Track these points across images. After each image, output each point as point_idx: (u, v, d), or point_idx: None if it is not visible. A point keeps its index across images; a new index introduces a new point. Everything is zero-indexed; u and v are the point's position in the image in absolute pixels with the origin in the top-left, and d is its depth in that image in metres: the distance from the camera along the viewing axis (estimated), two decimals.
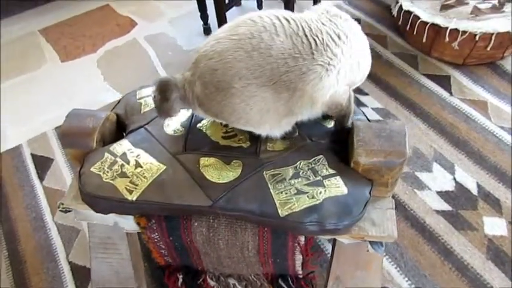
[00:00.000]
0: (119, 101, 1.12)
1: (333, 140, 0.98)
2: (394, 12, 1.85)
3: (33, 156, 1.68)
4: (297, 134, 0.98)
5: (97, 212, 0.94)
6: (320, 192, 0.87)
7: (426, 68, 1.79)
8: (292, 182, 0.89)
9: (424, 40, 1.73)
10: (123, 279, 1.16)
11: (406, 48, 1.89)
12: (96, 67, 2.02)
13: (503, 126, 1.56)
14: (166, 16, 2.29)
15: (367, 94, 1.73)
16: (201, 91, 0.87)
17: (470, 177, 1.43)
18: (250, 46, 0.83)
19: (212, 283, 1.13)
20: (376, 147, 0.89)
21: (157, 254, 1.07)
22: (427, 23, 1.68)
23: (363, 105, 1.68)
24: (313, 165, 0.92)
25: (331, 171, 0.91)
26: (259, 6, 2.19)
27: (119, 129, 1.09)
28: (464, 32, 1.59)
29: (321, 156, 0.94)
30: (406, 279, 1.23)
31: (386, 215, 0.94)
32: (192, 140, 0.97)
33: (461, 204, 1.37)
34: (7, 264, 1.38)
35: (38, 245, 1.41)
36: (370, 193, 0.90)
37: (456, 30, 1.60)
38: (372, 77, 1.79)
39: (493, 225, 1.31)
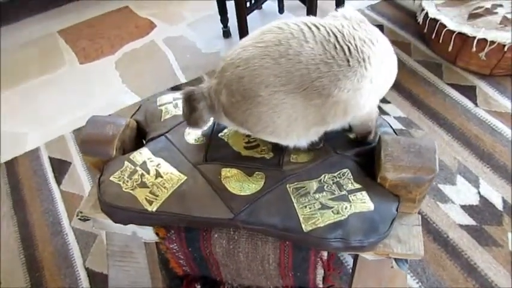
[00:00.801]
0: (138, 108, 1.11)
1: (358, 153, 0.95)
2: (420, 20, 1.81)
3: (51, 159, 1.68)
4: (322, 145, 0.95)
5: (116, 222, 0.93)
6: (345, 208, 0.84)
7: (451, 77, 1.74)
8: (317, 196, 0.86)
9: (450, 49, 1.68)
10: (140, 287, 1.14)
11: (431, 57, 1.85)
12: (114, 69, 2.02)
13: None
14: (186, 19, 2.28)
15: (389, 102, 1.69)
16: (227, 100, 0.85)
17: (495, 192, 1.38)
18: (278, 53, 0.80)
19: None
20: (404, 163, 0.85)
21: (176, 264, 1.06)
22: (454, 31, 1.64)
23: (385, 113, 1.65)
24: (338, 179, 0.89)
25: (357, 185, 0.88)
26: (281, 10, 2.16)
27: (139, 136, 1.08)
28: (492, 42, 1.54)
29: (346, 169, 0.91)
30: None
31: (413, 232, 0.91)
32: (213, 150, 0.95)
33: (485, 219, 1.33)
34: (24, 270, 1.37)
35: (56, 251, 1.41)
36: (397, 210, 0.87)
37: (484, 40, 1.56)
38: (394, 84, 1.73)
39: None
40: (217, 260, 0.98)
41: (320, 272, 0.98)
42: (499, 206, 1.35)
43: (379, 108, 1.64)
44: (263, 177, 0.89)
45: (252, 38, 0.86)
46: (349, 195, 0.86)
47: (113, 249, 1.11)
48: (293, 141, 0.89)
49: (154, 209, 0.87)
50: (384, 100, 1.69)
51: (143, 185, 0.90)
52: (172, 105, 1.07)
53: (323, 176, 0.89)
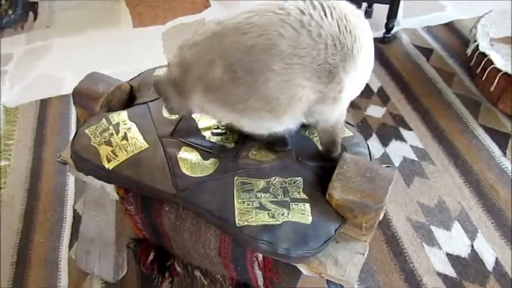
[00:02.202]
0: (138, 75, 1.16)
1: (321, 166, 0.93)
2: (469, 51, 1.69)
3: None
4: (289, 148, 0.94)
5: (78, 171, 0.99)
6: (282, 214, 0.83)
7: (486, 119, 1.62)
8: (259, 195, 0.86)
9: (492, 88, 1.56)
10: (105, 240, 1.21)
11: (472, 92, 1.73)
12: (160, 39, 2.11)
13: None
14: (240, 5, 2.30)
15: (411, 130, 1.61)
16: (221, 75, 0.75)
17: (490, 250, 1.28)
18: (299, 23, 0.74)
19: (178, 269, 1.14)
20: (354, 185, 0.82)
21: (135, 226, 1.10)
22: (500, 70, 1.51)
23: (402, 139, 1.57)
24: (286, 185, 0.88)
25: (303, 196, 0.86)
26: None
27: (130, 100, 1.13)
28: None
29: (300, 178, 0.89)
30: None
31: (353, 259, 0.88)
32: (181, 127, 0.97)
33: (468, 275, 1.23)
34: (24, 197, 1.51)
35: (54, 188, 1.53)
36: (336, 231, 0.84)
37: None
38: (422, 112, 1.67)
39: None
40: (167, 232, 1.02)
41: (258, 273, 0.97)
42: (489, 265, 1.25)
43: (398, 132, 1.58)
44: (216, 164, 0.91)
45: (264, 2, 0.78)
46: (291, 203, 0.85)
47: (89, 197, 1.19)
48: (285, 123, 0.83)
49: (110, 167, 0.92)
50: (406, 126, 1.62)
51: (109, 143, 0.95)
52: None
53: (273, 178, 0.89)
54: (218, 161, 0.91)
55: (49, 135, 1.70)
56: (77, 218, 1.43)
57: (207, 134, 0.96)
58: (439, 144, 1.56)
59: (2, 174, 1.58)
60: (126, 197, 1.00)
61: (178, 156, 0.92)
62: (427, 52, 1.90)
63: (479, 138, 1.56)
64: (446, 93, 1.73)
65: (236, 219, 0.83)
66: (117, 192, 1.02)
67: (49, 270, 1.31)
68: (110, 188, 1.07)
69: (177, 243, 1.03)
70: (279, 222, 0.82)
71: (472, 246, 1.29)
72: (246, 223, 0.83)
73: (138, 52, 2.06)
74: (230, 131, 0.96)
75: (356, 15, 0.82)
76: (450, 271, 1.24)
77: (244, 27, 0.74)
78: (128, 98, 1.12)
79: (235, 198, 0.85)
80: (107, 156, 0.93)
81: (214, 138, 0.96)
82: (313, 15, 0.76)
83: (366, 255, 0.89)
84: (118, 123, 0.99)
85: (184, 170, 0.90)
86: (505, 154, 1.50)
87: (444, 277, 1.23)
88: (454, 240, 1.30)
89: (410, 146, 1.56)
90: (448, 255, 1.28)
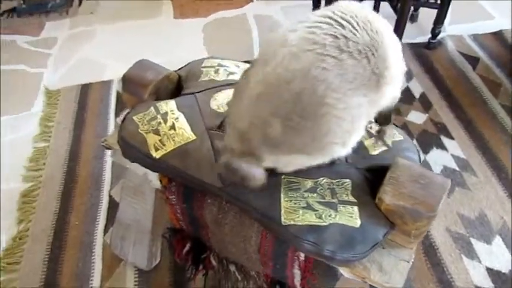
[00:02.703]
0: (186, 64, 1.17)
1: (370, 168, 0.91)
2: None
3: (118, 93, 1.83)
4: None
5: (124, 157, 1.00)
6: (329, 215, 0.82)
7: (506, 99, 1.56)
8: (306, 194, 0.85)
9: None
10: (141, 227, 1.22)
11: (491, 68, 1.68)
12: (200, 31, 2.12)
13: None
14: (282, 2, 2.29)
15: (453, 138, 1.56)
16: (281, 130, 0.74)
17: None
18: (337, 49, 0.73)
19: (214, 263, 1.13)
20: (406, 191, 0.80)
21: (173, 215, 1.10)
22: None
23: (443, 148, 1.53)
24: (334, 186, 0.86)
25: (351, 199, 0.84)
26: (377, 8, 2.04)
27: (178, 89, 1.13)
28: None
29: (348, 180, 0.87)
30: None
31: (398, 266, 0.86)
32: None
33: None
34: (63, 178, 1.53)
35: (92, 172, 1.55)
36: (384, 236, 0.82)
37: None
38: (465, 121, 1.62)
39: None
40: (206, 224, 1.01)
41: (297, 273, 0.96)
42: None
43: (440, 141, 1.54)
44: None
45: (293, 42, 0.74)
46: (338, 205, 0.83)
47: (129, 184, 1.20)
48: (352, 144, 0.82)
49: (157, 156, 0.92)
50: (448, 134, 1.57)
51: (156, 132, 0.95)
52: (213, 70, 1.10)
53: (321, 178, 0.87)
54: None
55: (89, 119, 1.73)
56: (112, 204, 1.45)
57: None
58: (482, 155, 1.51)
59: (42, 155, 1.61)
60: (169, 186, 1.01)
61: None
62: (473, 60, 1.85)
63: None
64: (491, 104, 1.67)
65: (282, 217, 0.82)
66: (160, 181, 1.03)
67: (83, 253, 1.33)
68: (153, 176, 1.08)
69: (215, 236, 1.03)
70: (325, 224, 0.81)
71: None
72: (292, 222, 0.82)
73: (178, 43, 2.08)
74: None
75: (365, 9, 0.81)
76: (489, 286, 1.20)
77: (286, 76, 0.72)
78: (175, 87, 1.12)
79: (282, 196, 0.84)
80: (154, 145, 0.94)
81: None
82: (346, 35, 0.74)
83: (411, 262, 0.87)
84: (166, 113, 0.99)
85: None
86: None
87: None
88: (494, 255, 1.26)
89: (452, 155, 1.51)
90: (488, 269, 1.23)
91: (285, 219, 0.82)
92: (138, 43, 2.09)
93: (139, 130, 0.96)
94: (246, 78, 0.80)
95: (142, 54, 1.98)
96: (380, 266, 0.86)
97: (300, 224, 0.81)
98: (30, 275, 1.29)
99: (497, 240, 1.29)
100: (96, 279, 1.28)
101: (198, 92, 1.04)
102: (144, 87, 1.04)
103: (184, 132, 0.95)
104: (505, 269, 1.23)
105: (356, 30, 0.75)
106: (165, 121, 0.97)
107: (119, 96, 1.81)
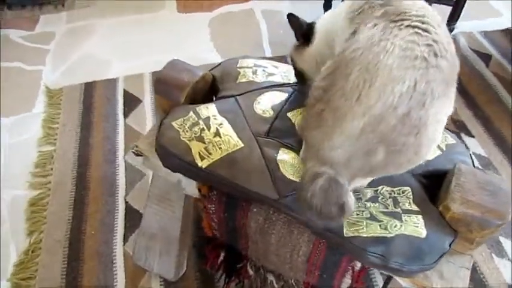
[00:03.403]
0: (218, 64, 1.10)
1: (426, 173, 0.88)
2: None
3: (125, 92, 1.74)
4: None
5: (164, 166, 0.93)
6: (395, 226, 0.78)
7: None
8: (368, 204, 0.81)
9: None
10: (168, 236, 1.16)
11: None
12: (206, 26, 2.04)
13: None
14: None
15: (473, 136, 1.56)
16: (384, 156, 0.72)
17: None
18: (434, 57, 0.70)
19: (251, 272, 1.09)
20: (475, 199, 0.78)
21: (208, 224, 1.05)
22: None
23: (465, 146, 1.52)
24: (395, 195, 0.83)
25: (414, 207, 0.81)
26: None
27: (210, 91, 1.07)
28: None
29: (408, 188, 0.84)
30: None
31: (459, 274, 0.83)
32: (277, 126, 0.92)
33: None
34: (73, 184, 1.45)
35: (104, 177, 1.47)
36: (450, 245, 0.79)
37: None
38: (483, 119, 1.61)
39: None
40: (248, 234, 0.97)
41: (346, 282, 0.93)
42: None
43: (459, 137, 1.53)
44: None
45: (388, 62, 0.69)
46: (402, 215, 0.80)
47: (154, 191, 1.13)
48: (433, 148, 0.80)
49: (203, 166, 0.87)
50: (468, 133, 1.57)
51: (200, 139, 0.90)
52: (251, 70, 1.05)
53: (381, 187, 0.84)
54: None
55: (96, 120, 1.64)
56: (129, 211, 1.38)
57: None
58: (503, 152, 1.51)
59: (48, 160, 1.52)
60: (209, 195, 0.95)
61: (277, 157, 0.86)
62: (486, 57, 1.84)
63: None
64: (507, 100, 1.67)
65: (344, 229, 0.79)
66: (199, 190, 0.97)
67: (103, 265, 1.26)
68: (188, 184, 1.02)
69: (256, 245, 0.98)
70: (392, 235, 0.77)
71: None
72: (356, 234, 0.78)
73: (185, 38, 2.00)
74: None
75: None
76: None
77: (392, 102, 0.68)
78: (209, 89, 1.06)
79: None
80: (199, 153, 0.88)
81: None
82: (435, 38, 0.71)
83: (470, 269, 0.85)
84: (208, 118, 0.93)
85: (285, 173, 0.84)
86: None
87: None
88: None
89: (473, 153, 1.51)
90: None
91: (347, 231, 0.78)
92: (142, 38, 2.00)
93: (182, 137, 0.90)
94: (323, 103, 0.74)
95: (148, 51, 1.92)
96: (441, 274, 0.83)
97: (365, 235, 0.78)
98: None
99: None
100: None
101: (238, 95, 0.99)
102: (181, 89, 0.97)
103: (231, 139, 0.89)
104: None
105: (435, 28, 0.72)
106: (208, 127, 0.91)
107: (126, 95, 1.73)
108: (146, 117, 1.65)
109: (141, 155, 1.05)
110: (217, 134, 0.90)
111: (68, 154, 1.53)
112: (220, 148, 0.88)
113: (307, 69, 0.96)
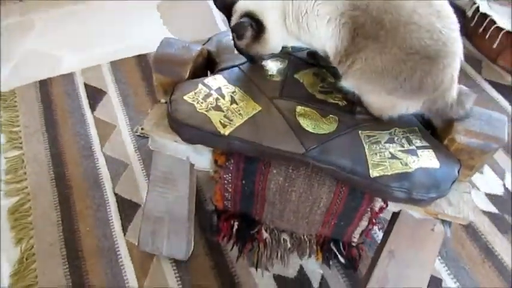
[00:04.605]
0: (209, 39, 1.11)
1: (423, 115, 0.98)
2: (469, 13, 1.83)
3: (86, 85, 1.66)
4: None
5: (184, 140, 0.94)
6: (413, 161, 0.87)
7: (489, 74, 1.78)
8: (387, 146, 0.89)
9: (494, 46, 1.72)
10: (176, 216, 1.16)
11: (471, 52, 1.87)
12: (156, 11, 1.99)
13: None
14: None
15: None
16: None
17: None
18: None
19: (265, 235, 1.13)
20: (475, 128, 0.89)
21: (220, 196, 1.07)
22: (502, 29, 1.67)
23: None
24: (407, 134, 0.92)
25: (425, 143, 0.91)
26: None
27: (206, 66, 1.08)
28: None
29: (415, 127, 0.94)
30: (446, 268, 1.25)
31: (463, 198, 0.95)
32: (288, 88, 0.96)
33: (508, 209, 1.38)
34: (53, 185, 1.37)
35: (85, 173, 1.41)
36: (458, 172, 0.90)
37: None
38: None
39: None
40: (265, 197, 1.01)
41: (363, 225, 1.01)
42: None
43: None
44: (336, 121, 0.92)
45: None
46: (417, 150, 0.89)
47: (157, 174, 1.12)
48: None
49: (227, 133, 0.89)
50: None
51: (218, 108, 0.91)
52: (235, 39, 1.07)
53: (394, 129, 0.92)
54: (337, 117, 0.92)
55: (60, 117, 1.55)
56: (121, 202, 1.35)
57: (315, 93, 0.97)
58: None
59: (19, 165, 1.42)
60: (226, 165, 0.97)
61: (296, 115, 0.91)
62: None
63: (487, 91, 1.72)
64: None
65: (370, 171, 0.86)
66: (215, 161, 0.99)
67: (107, 258, 1.23)
68: (197, 159, 1.03)
69: (273, 207, 1.03)
70: (412, 169, 0.86)
71: (504, 185, 1.45)
72: (381, 173, 0.86)
73: (135, 26, 1.93)
74: (335, 89, 0.97)
75: None
76: (492, 208, 1.38)
77: None
78: (206, 63, 1.07)
79: (366, 151, 0.87)
80: (220, 122, 0.90)
81: (323, 96, 0.96)
82: None
83: (470, 193, 0.97)
84: (219, 88, 0.95)
85: (307, 128, 0.89)
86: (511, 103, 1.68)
87: (488, 214, 1.37)
88: (489, 182, 1.45)
89: None
90: (487, 194, 1.42)
91: (373, 172, 0.86)
92: (88, 30, 1.90)
93: (198, 109, 0.91)
94: None
95: (99, 41, 1.84)
96: (449, 201, 0.94)
97: (389, 173, 0.86)
98: None
99: (488, 170, 1.48)
100: (131, 281, 1.20)
101: (240, 64, 1.01)
102: (184, 65, 0.98)
103: (248, 104, 0.92)
104: (499, 192, 1.43)
105: None
106: (223, 96, 0.93)
107: (87, 88, 1.65)
108: (115, 108, 1.59)
109: (146, 137, 1.04)
110: (233, 101, 0.92)
111: (39, 156, 1.44)
112: (240, 114, 0.90)
113: (270, 52, 1.00)
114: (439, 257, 1.27)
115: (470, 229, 1.33)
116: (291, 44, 1.01)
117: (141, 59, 1.76)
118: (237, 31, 0.93)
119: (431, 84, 0.86)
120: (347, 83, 0.92)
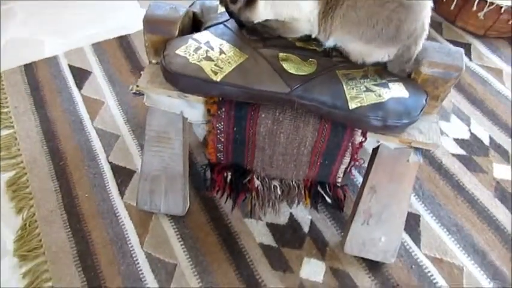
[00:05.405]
0: (193, 3, 1.19)
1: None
2: None
3: (71, 67, 1.71)
4: None
5: (180, 89, 1.02)
6: (386, 92, 0.98)
7: (449, 35, 1.92)
8: (362, 81, 0.99)
9: (452, 7, 1.86)
10: (172, 173, 1.23)
11: (432, 15, 1.99)
12: None
13: None
14: None
15: None
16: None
17: (483, 130, 1.58)
18: None
19: (257, 182, 1.22)
20: (436, 60, 1.00)
21: (213, 148, 1.16)
22: None
23: None
24: (379, 72, 1.03)
25: (395, 77, 1.02)
26: None
27: (192, 27, 1.16)
28: (491, 4, 1.73)
29: (385, 66, 1.05)
30: (423, 205, 1.37)
31: (432, 127, 1.06)
32: (270, 39, 1.06)
33: (474, 151, 1.52)
34: (48, 159, 1.42)
35: (78, 145, 1.47)
36: (426, 101, 1.02)
37: (484, 0, 1.74)
38: None
39: (501, 171, 1.47)
40: (255, 143, 1.10)
41: (345, 162, 1.12)
42: (486, 141, 1.55)
43: None
44: (315, 64, 1.01)
45: None
46: (388, 83, 1.00)
47: (151, 134, 1.20)
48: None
49: (218, 79, 0.97)
50: None
51: (208, 58, 1.00)
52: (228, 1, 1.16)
53: (366, 67, 1.03)
54: (316, 61, 1.02)
55: (49, 97, 1.60)
56: (116, 170, 1.41)
57: (295, 41, 1.06)
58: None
59: (12, 142, 1.46)
60: (218, 113, 1.06)
61: (279, 60, 1.00)
62: None
63: None
64: None
65: (349, 104, 0.96)
66: (208, 110, 1.07)
67: (108, 220, 1.29)
68: (191, 113, 1.11)
69: (263, 153, 1.12)
70: (385, 99, 0.97)
71: (470, 130, 1.58)
72: (358, 105, 0.96)
73: (113, 9, 1.99)
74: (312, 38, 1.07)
75: None
76: (460, 151, 1.52)
77: None
78: (192, 24, 1.15)
79: (344, 86, 0.98)
80: (211, 70, 0.98)
81: (302, 44, 1.06)
82: None
83: (437, 123, 1.09)
84: (208, 41, 1.03)
85: (290, 71, 0.99)
86: (471, 59, 1.82)
87: (458, 156, 1.50)
88: (455, 129, 1.58)
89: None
90: (455, 139, 1.55)
91: (352, 104, 0.96)
92: (69, 15, 1.94)
93: (190, 61, 0.99)
94: None
95: (79, 25, 1.89)
96: (420, 130, 1.05)
97: (365, 104, 0.96)
98: (59, 253, 1.22)
99: (454, 118, 1.62)
100: (133, 238, 1.26)
101: (225, 21, 1.10)
102: (173, 24, 1.05)
103: (235, 53, 1.01)
104: (466, 137, 1.56)
105: None
106: (212, 48, 1.02)
107: (72, 69, 1.70)
108: (101, 85, 1.65)
109: (141, 94, 1.11)
110: (221, 52, 1.01)
111: (31, 133, 1.49)
112: (229, 62, 0.99)
113: (258, 20, 1.05)
114: (417, 196, 1.39)
115: (442, 170, 1.46)
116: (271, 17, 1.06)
117: (122, 39, 1.82)
118: None
119: (406, 32, 0.97)
120: (330, 42, 1.02)
